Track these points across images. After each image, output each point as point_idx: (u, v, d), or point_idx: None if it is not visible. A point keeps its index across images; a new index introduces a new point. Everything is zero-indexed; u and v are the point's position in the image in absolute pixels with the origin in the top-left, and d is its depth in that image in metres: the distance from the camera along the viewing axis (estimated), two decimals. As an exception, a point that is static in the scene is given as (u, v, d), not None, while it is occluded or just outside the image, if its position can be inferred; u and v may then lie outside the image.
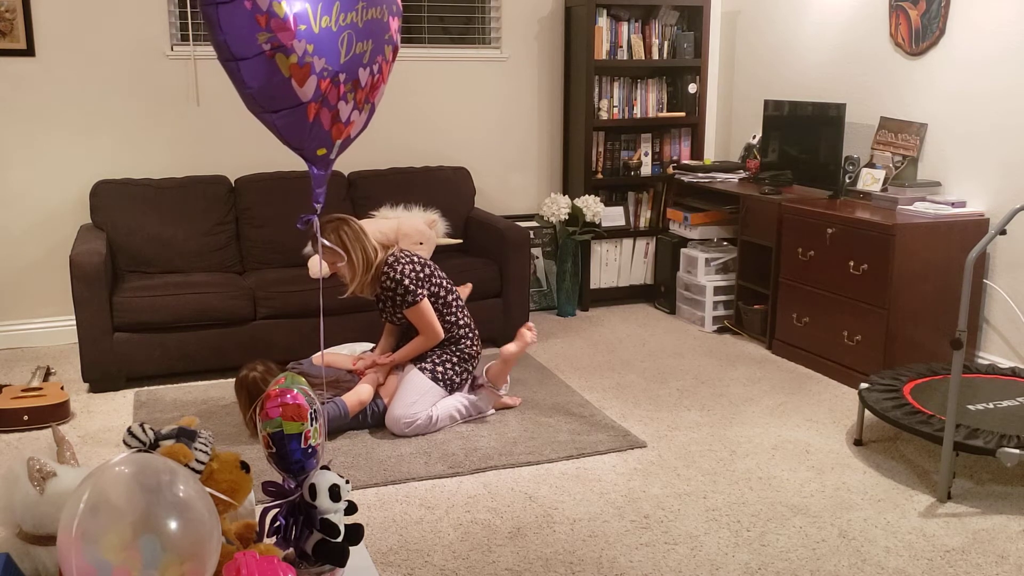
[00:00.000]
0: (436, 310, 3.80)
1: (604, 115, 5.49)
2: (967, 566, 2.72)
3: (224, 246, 4.73)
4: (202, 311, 4.22)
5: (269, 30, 2.29)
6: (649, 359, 4.64)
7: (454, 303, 3.87)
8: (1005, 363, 4.10)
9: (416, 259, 3.81)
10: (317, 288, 4.32)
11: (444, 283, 3.86)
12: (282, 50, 2.32)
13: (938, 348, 4.12)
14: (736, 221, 5.08)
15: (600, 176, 5.56)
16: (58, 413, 3.78)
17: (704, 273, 5.19)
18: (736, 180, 5.33)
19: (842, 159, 4.67)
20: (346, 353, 4.04)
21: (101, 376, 4.14)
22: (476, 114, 5.48)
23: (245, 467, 1.99)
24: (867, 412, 3.60)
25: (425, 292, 3.76)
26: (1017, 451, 2.97)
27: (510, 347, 3.84)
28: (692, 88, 5.57)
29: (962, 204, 4.20)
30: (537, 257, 5.55)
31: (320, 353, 4.01)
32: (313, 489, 1.94)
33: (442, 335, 3.80)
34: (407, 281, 3.71)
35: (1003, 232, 3.05)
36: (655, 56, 5.50)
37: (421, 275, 3.76)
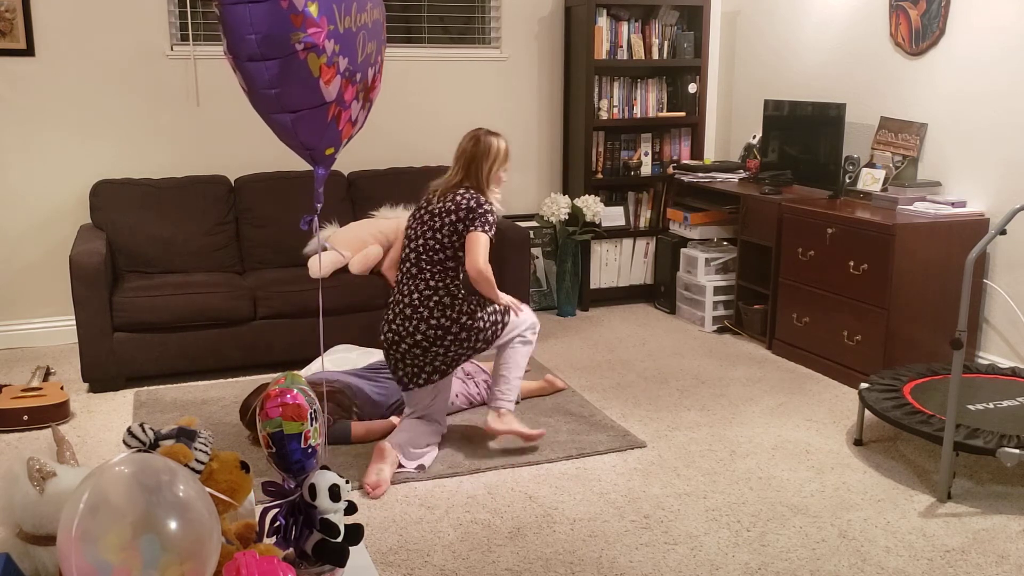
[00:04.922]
0: None
1: (604, 115, 5.48)
2: (967, 566, 2.72)
3: (224, 246, 4.73)
4: (202, 311, 4.22)
5: (304, 30, 2.28)
6: (649, 359, 4.64)
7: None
8: (1005, 363, 4.10)
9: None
10: (317, 288, 4.31)
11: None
12: (315, 50, 2.31)
13: (938, 348, 4.12)
14: (736, 221, 5.08)
15: (600, 176, 5.56)
16: (58, 413, 3.78)
17: (704, 273, 5.19)
18: (736, 180, 5.32)
19: (842, 159, 4.67)
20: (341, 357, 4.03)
21: (101, 376, 4.13)
22: (476, 114, 5.48)
23: (245, 467, 1.99)
24: (867, 412, 3.60)
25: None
26: (1017, 451, 2.97)
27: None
28: (692, 88, 5.57)
29: (962, 204, 4.20)
30: (537, 257, 5.55)
31: (321, 358, 4.00)
32: (313, 489, 1.94)
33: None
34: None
35: (1003, 232, 3.05)
36: (655, 56, 5.50)
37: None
